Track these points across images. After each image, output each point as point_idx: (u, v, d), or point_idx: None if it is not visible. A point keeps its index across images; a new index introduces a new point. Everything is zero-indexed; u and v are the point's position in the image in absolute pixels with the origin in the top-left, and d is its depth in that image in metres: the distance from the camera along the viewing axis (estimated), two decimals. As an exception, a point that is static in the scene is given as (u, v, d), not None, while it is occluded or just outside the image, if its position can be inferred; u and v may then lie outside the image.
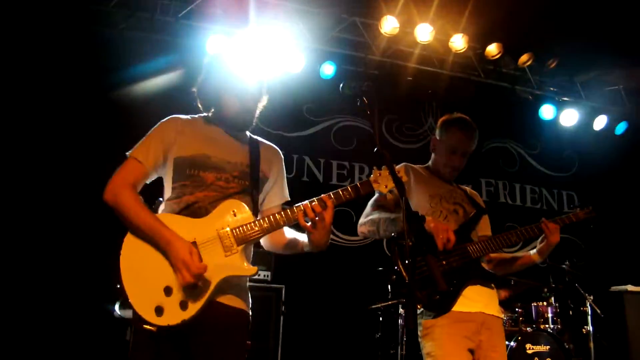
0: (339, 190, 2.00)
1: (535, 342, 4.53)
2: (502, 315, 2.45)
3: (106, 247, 1.99)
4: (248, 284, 2.11)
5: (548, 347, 4.56)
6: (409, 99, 6.30)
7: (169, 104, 2.97)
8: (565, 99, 6.77)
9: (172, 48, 5.34)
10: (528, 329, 4.64)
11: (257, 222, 1.97)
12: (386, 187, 1.99)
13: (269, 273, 4.54)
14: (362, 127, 6.30)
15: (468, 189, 2.78)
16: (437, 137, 2.71)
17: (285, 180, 2.27)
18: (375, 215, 2.46)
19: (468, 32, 5.81)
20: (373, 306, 4.87)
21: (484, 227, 2.67)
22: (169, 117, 2.15)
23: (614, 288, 5.76)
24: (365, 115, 1.97)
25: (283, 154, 2.31)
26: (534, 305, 4.99)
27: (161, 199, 2.09)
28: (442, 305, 2.22)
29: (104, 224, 2.33)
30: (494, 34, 6.00)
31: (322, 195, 1.97)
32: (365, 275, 5.13)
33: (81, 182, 4.47)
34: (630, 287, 5.69)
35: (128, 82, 5.08)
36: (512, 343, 4.41)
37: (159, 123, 2.13)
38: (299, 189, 2.20)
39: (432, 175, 2.67)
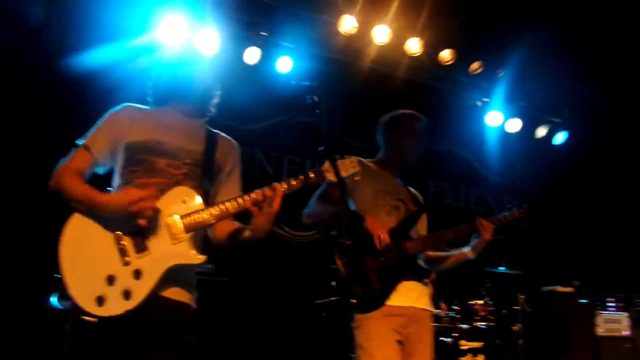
0: (291, 178, 2.04)
1: (469, 339, 4.77)
2: (431, 309, 2.55)
3: (46, 237, 1.93)
4: (195, 277, 2.10)
5: (481, 343, 4.82)
6: (363, 99, 6.40)
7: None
8: (511, 107, 7.05)
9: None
10: (463, 326, 4.86)
11: (207, 209, 1.94)
12: (337, 178, 2.03)
13: (213, 267, 4.46)
14: (314, 123, 6.34)
15: (412, 189, 2.87)
16: (388, 133, 2.78)
17: (240, 174, 2.27)
18: (320, 207, 2.51)
19: (424, 36, 5.97)
20: (318, 301, 4.97)
21: (423, 227, 2.77)
22: (121, 105, 2.13)
23: (545, 288, 6.10)
24: (315, 113, 2.02)
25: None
26: (470, 304, 5.24)
27: (110, 188, 2.05)
28: (376, 301, 2.31)
29: (47, 213, 2.29)
30: (448, 40, 6.18)
31: (274, 183, 1.99)
32: (312, 270, 5.21)
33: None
34: (559, 288, 6.03)
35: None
36: (447, 339, 4.62)
37: (110, 111, 2.11)
38: (249, 183, 2.19)
39: (381, 169, 2.73)
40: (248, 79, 5.66)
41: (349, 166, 2.11)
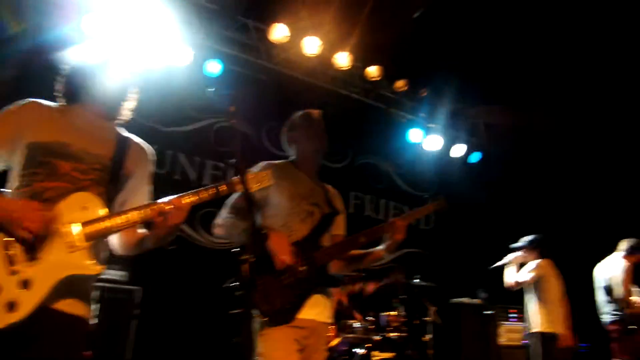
0: (200, 190, 1.96)
1: (381, 350, 4.90)
2: (330, 321, 2.57)
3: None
4: (96, 285, 1.98)
5: (393, 354, 4.96)
6: (291, 109, 6.41)
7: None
8: (432, 125, 7.37)
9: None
10: (376, 337, 4.99)
11: (110, 218, 1.83)
12: (251, 189, 2.00)
13: (125, 273, 4.31)
14: (241, 130, 6.31)
15: (330, 188, 2.83)
16: (290, 136, 2.77)
17: (150, 182, 2.17)
18: (230, 220, 2.46)
19: (353, 50, 6.11)
20: (234, 311, 4.90)
21: (338, 227, 2.72)
22: (24, 101, 1.95)
23: (453, 300, 6.41)
24: (232, 122, 2.00)
25: (156, 148, 2.21)
26: (383, 315, 5.39)
27: (6, 189, 1.89)
28: (285, 318, 2.32)
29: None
30: (376, 57, 6.37)
31: (183, 193, 1.92)
32: (229, 278, 5.13)
33: None
34: (466, 300, 6.36)
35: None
36: (361, 351, 4.73)
37: (13, 104, 1.94)
38: (170, 187, 2.11)
39: (297, 170, 2.69)
40: (176, 80, 5.52)
41: (262, 178, 2.08)
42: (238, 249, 2.27)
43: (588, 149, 7.35)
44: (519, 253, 5.44)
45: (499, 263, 5.64)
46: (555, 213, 7.97)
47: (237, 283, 2.14)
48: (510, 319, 6.47)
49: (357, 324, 5.25)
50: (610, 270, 5.52)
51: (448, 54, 6.05)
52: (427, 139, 7.29)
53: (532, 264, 5.27)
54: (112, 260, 3.87)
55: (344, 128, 7.06)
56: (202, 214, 5.44)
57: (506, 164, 8.07)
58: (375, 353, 4.84)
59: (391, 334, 5.24)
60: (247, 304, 1.86)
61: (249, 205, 1.93)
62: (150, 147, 2.20)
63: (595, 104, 6.54)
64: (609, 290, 5.46)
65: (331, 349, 5.03)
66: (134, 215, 1.86)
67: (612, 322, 5.39)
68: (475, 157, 7.75)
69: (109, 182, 1.96)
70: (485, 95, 7.03)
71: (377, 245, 2.69)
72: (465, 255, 7.69)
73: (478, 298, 6.52)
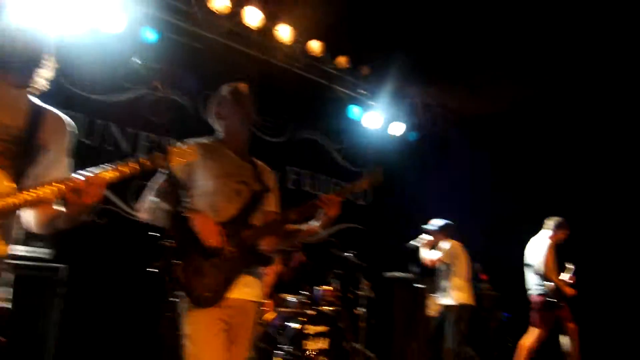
0: (120, 164, 1.82)
1: (315, 323, 4.98)
2: (259, 300, 2.56)
3: None
4: (16, 265, 1.89)
5: (326, 327, 5.06)
6: (231, 81, 6.26)
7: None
8: (372, 103, 7.44)
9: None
10: (310, 311, 5.07)
11: (19, 194, 1.69)
12: (175, 164, 1.94)
13: (49, 251, 4.10)
14: (178, 101, 6.12)
15: (260, 163, 2.76)
16: (216, 109, 2.67)
17: (71, 155, 2.03)
18: (153, 203, 2.39)
19: (296, 25, 6.03)
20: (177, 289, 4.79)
21: (270, 204, 2.68)
22: None
23: (387, 274, 6.60)
24: (155, 98, 1.90)
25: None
26: (318, 289, 5.48)
27: None
28: (213, 300, 2.31)
29: None
30: (319, 32, 6.32)
31: (101, 167, 1.79)
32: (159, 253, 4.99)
33: None
34: (399, 274, 6.58)
35: None
36: (294, 325, 4.79)
37: None
38: (101, 159, 1.97)
39: (223, 147, 2.61)
40: (109, 47, 5.26)
41: (186, 154, 1.99)
42: (157, 233, 2.22)
43: (521, 132, 7.68)
44: (429, 236, 6.11)
45: (412, 242, 6.22)
46: (487, 192, 8.32)
47: (157, 268, 2.10)
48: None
49: (291, 299, 5.31)
50: (535, 248, 5.90)
51: (391, 32, 6.09)
52: (366, 117, 7.36)
53: (446, 244, 5.91)
54: (35, 237, 3.71)
55: (284, 102, 7.01)
56: (136, 187, 5.27)
57: (442, 143, 8.32)
58: (309, 327, 4.92)
59: (325, 308, 5.35)
60: (169, 288, 1.83)
61: (172, 187, 1.87)
62: (68, 118, 2.04)
63: (532, 87, 6.80)
64: (533, 267, 5.84)
65: (266, 324, 5.08)
66: (44, 192, 1.70)
67: (537, 295, 5.78)
68: (413, 136, 7.91)
69: (20, 154, 1.80)
70: (425, 76, 7.16)
71: (313, 219, 2.68)
72: (400, 231, 7.92)
73: (410, 272, 6.74)
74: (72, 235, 4.31)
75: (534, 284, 5.85)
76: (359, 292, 5.96)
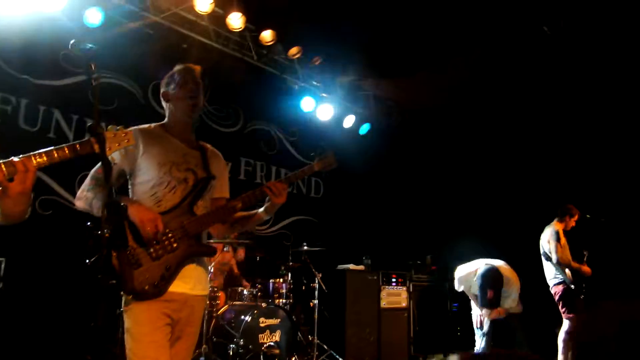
0: (52, 149, 1.69)
1: (268, 316, 4.93)
2: (206, 293, 2.49)
3: None
4: None
5: (279, 320, 5.02)
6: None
7: None
8: (325, 95, 7.42)
9: None
10: (263, 304, 5.00)
11: None
12: (110, 149, 1.82)
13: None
14: (125, 87, 5.88)
15: (210, 148, 2.67)
16: (164, 89, 2.55)
17: None
18: (91, 192, 2.27)
19: (247, 12, 5.89)
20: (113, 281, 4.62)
21: (220, 190, 2.62)
22: None
23: (340, 266, 6.61)
24: (91, 83, 1.78)
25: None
26: (271, 282, 5.42)
27: None
28: (153, 293, 2.20)
29: None
30: (271, 21, 6.21)
31: (33, 153, 1.66)
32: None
33: None
34: (351, 266, 6.59)
35: None
36: (247, 317, 4.71)
37: None
38: (43, 146, 1.77)
39: (168, 134, 2.50)
40: (48, 29, 4.97)
41: (122, 138, 1.90)
42: (91, 223, 2.09)
43: (471, 122, 7.86)
44: None
45: None
46: (437, 183, 8.49)
47: (90, 261, 1.98)
48: (392, 284, 6.82)
49: (245, 291, 5.23)
50: (546, 237, 5.93)
51: (343, 23, 6.06)
52: (319, 108, 7.33)
53: None
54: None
55: (236, 92, 6.88)
56: (81, 177, 5.04)
57: (393, 136, 8.41)
58: (262, 319, 4.86)
59: (278, 301, 5.30)
60: (103, 282, 1.71)
61: (108, 174, 1.74)
62: None
63: (482, 80, 6.96)
64: (547, 256, 5.86)
65: (219, 317, 4.98)
66: None
67: (556, 285, 5.81)
68: (365, 128, 7.95)
69: None
70: (378, 69, 7.20)
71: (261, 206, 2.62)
72: (352, 223, 7.96)
73: (362, 264, 6.79)
74: (12, 226, 4.09)
75: (551, 274, 5.86)
76: (312, 285, 5.96)
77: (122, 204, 2.10)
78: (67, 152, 1.70)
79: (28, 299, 4.57)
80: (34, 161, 1.63)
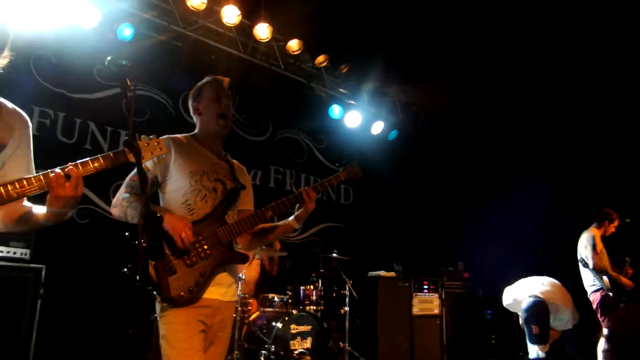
0: (89, 159, 1.78)
1: (299, 323, 4.93)
2: (236, 299, 2.54)
3: None
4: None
5: (310, 327, 5.01)
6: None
7: None
8: (352, 102, 7.43)
9: None
10: (294, 310, 5.01)
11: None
12: (143, 158, 1.89)
13: (27, 251, 3.99)
14: (156, 99, 6.02)
15: (236, 162, 2.73)
16: (196, 101, 2.62)
17: (31, 151, 1.94)
18: (125, 201, 2.33)
19: (274, 23, 5.98)
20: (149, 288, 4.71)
21: (246, 201, 2.66)
22: None
23: (371, 273, 6.58)
24: (126, 97, 1.84)
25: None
26: (302, 289, 5.43)
27: None
28: (188, 300, 2.24)
29: None
30: (297, 30, 6.28)
31: (70, 163, 1.75)
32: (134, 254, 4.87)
33: None
34: (382, 273, 6.56)
35: None
36: (278, 324, 4.73)
37: None
38: (80, 157, 1.86)
39: (198, 145, 2.56)
40: (83, 44, 5.16)
41: (155, 147, 1.96)
42: (129, 233, 2.15)
43: (497, 129, 7.75)
44: None
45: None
46: (467, 188, 8.39)
47: (128, 269, 2.04)
48: (424, 290, 6.75)
49: (276, 298, 5.26)
50: (582, 243, 5.75)
51: (370, 31, 6.09)
52: (347, 115, 7.35)
53: None
54: (14, 237, 3.60)
55: (264, 101, 6.97)
56: (115, 187, 5.17)
57: (421, 141, 8.36)
58: (293, 326, 4.87)
59: (309, 308, 5.31)
60: (141, 289, 1.75)
61: (144, 184, 1.80)
62: (24, 114, 1.93)
63: (506, 87, 6.87)
64: (584, 262, 5.68)
65: (250, 323, 5.02)
66: (9, 189, 1.66)
67: (593, 292, 5.63)
68: (392, 135, 7.93)
69: None
70: (405, 75, 7.18)
71: (289, 215, 2.65)
72: (382, 230, 7.93)
73: (393, 271, 6.74)
74: (52, 235, 4.22)
75: (588, 281, 5.68)
76: (343, 292, 5.95)
77: (157, 214, 2.17)
78: (102, 162, 1.80)
79: (68, 305, 4.70)
80: (82, 169, 1.75)
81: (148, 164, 2.31)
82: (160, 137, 2.30)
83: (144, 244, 1.75)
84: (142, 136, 1.92)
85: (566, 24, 5.69)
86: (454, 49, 6.28)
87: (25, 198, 1.83)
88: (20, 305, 3.80)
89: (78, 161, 1.76)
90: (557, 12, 5.52)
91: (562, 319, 5.30)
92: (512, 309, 5.69)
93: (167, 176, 2.42)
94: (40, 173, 1.72)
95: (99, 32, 5.22)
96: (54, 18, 4.88)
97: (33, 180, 1.68)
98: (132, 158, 1.84)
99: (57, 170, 1.71)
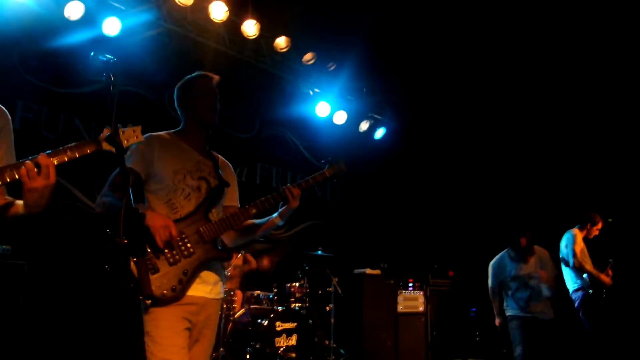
0: (61, 148, 1.78)
1: (284, 320, 4.95)
2: (221, 297, 2.53)
3: None
4: None
5: (295, 324, 5.04)
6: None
7: None
8: (339, 100, 7.44)
9: None
10: (279, 308, 5.03)
11: None
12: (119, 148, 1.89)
13: (8, 247, 3.92)
14: (141, 94, 5.98)
15: (220, 158, 2.71)
16: (182, 97, 2.60)
17: (12, 143, 1.96)
18: (108, 199, 2.30)
19: (262, 19, 5.96)
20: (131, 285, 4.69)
21: (231, 198, 2.66)
22: None
23: (356, 271, 6.61)
24: (110, 91, 1.84)
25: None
26: (288, 286, 5.45)
27: None
28: (170, 297, 2.23)
29: None
30: (285, 28, 6.27)
31: (41, 153, 1.75)
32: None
33: None
34: (368, 271, 6.58)
35: None
36: (264, 321, 4.75)
37: None
38: None
39: (181, 142, 2.53)
40: (69, 36, 5.09)
41: (131, 135, 1.96)
42: (110, 230, 2.14)
43: (486, 128, 7.80)
44: None
45: None
46: (454, 187, 8.44)
47: (109, 266, 2.03)
48: (409, 288, 6.79)
49: (261, 295, 5.27)
50: (564, 242, 5.83)
51: (357, 29, 6.10)
52: (334, 114, 7.35)
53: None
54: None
55: (251, 98, 6.95)
56: (99, 183, 5.10)
57: (408, 140, 8.40)
58: (279, 323, 4.89)
59: (294, 305, 5.32)
60: (123, 286, 1.75)
61: (126, 181, 1.79)
62: (2, 107, 1.94)
63: (495, 86, 6.92)
64: (565, 261, 5.76)
65: (235, 321, 5.02)
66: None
67: (575, 291, 5.70)
68: (380, 133, 7.95)
69: None
70: (392, 73, 7.21)
71: (274, 212, 2.65)
72: (368, 227, 7.95)
73: (379, 268, 6.77)
74: (34, 231, 4.17)
75: (570, 280, 5.75)
76: (328, 289, 5.97)
77: (140, 211, 2.16)
78: (75, 151, 1.80)
79: (50, 302, 4.66)
80: (50, 159, 1.74)
81: (131, 159, 2.31)
82: (145, 135, 2.31)
83: (125, 241, 1.75)
84: (118, 126, 1.91)
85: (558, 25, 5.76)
86: (444, 46, 6.32)
87: (6, 192, 1.83)
88: (1, 302, 3.76)
89: (49, 151, 1.76)
90: (556, 11, 5.59)
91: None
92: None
93: (150, 174, 2.40)
94: (11, 164, 1.71)
95: (84, 25, 5.15)
96: (38, 10, 4.82)
97: (13, 168, 1.68)
98: (106, 147, 1.85)
99: (28, 161, 1.70)
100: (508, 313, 5.35)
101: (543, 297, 5.16)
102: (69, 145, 1.80)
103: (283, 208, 2.62)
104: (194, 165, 2.50)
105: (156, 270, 2.21)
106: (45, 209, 1.80)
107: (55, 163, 1.74)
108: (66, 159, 1.77)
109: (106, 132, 1.86)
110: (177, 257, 2.27)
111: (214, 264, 2.45)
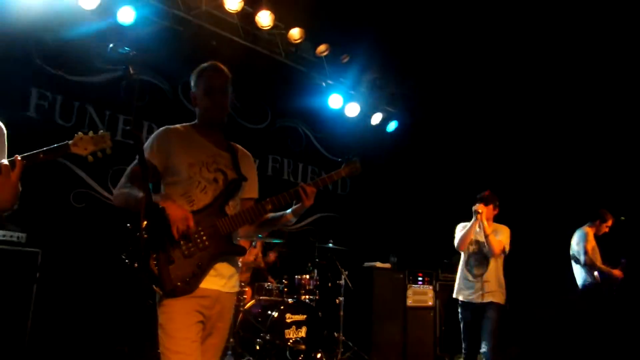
0: (35, 152, 1.87)
1: (294, 312, 4.96)
2: (236, 290, 2.52)
3: None
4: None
5: (305, 316, 5.05)
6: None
7: None
8: (352, 92, 7.41)
9: None
10: (289, 299, 5.03)
11: None
12: (86, 149, 1.98)
13: (23, 235, 3.97)
14: (155, 84, 5.99)
15: (240, 148, 2.70)
16: (194, 89, 2.56)
17: (5, 140, 2.01)
18: (126, 190, 2.30)
19: (276, 10, 5.93)
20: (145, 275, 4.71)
21: (250, 190, 2.65)
22: None
23: (366, 264, 6.61)
24: (127, 84, 1.85)
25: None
26: (298, 278, 5.45)
27: None
28: (184, 290, 2.24)
29: None
30: (299, 19, 6.24)
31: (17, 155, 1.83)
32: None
33: None
34: (378, 264, 6.58)
35: None
36: (274, 313, 4.75)
37: None
38: None
39: (198, 135, 2.52)
40: (84, 25, 5.11)
41: (99, 141, 2.03)
42: (129, 224, 2.14)
43: (496, 122, 7.73)
44: None
45: None
46: (465, 181, 8.37)
47: (127, 257, 2.03)
48: (418, 282, 6.78)
49: (271, 287, 5.28)
50: (575, 239, 5.83)
51: (371, 21, 6.05)
52: (346, 105, 7.32)
53: None
54: (8, 221, 3.60)
55: (264, 89, 6.93)
56: (113, 171, 5.18)
57: (420, 133, 8.34)
58: (288, 315, 4.90)
59: (304, 297, 5.33)
60: (140, 277, 1.75)
61: (144, 173, 1.78)
62: None
63: (505, 80, 6.85)
64: (576, 258, 5.76)
65: (245, 312, 5.04)
66: None
67: (583, 287, 5.69)
68: (392, 126, 7.91)
69: None
70: (400, 68, 7.16)
71: (289, 207, 2.65)
72: (378, 221, 7.93)
73: (389, 262, 6.76)
74: (48, 219, 4.19)
75: (581, 277, 5.74)
76: (338, 282, 5.97)
77: (157, 202, 2.16)
78: (46, 154, 1.93)
79: (63, 290, 4.69)
80: (21, 161, 1.86)
81: (148, 152, 2.31)
82: (160, 129, 2.36)
83: (145, 236, 1.74)
84: (90, 132, 1.99)
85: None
86: (458, 39, 6.25)
87: None
88: (16, 289, 3.80)
89: (25, 154, 1.86)
90: (555, 12, 5.52)
91: None
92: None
93: (166, 167, 2.39)
94: None
95: (99, 14, 5.16)
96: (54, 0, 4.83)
97: None
98: (75, 150, 1.97)
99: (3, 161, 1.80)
100: None
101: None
102: (42, 149, 1.91)
103: (297, 206, 2.60)
104: (210, 158, 2.48)
105: (171, 262, 2.21)
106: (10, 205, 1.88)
107: (20, 165, 1.83)
108: (38, 161, 1.88)
109: (77, 137, 1.98)
110: (192, 249, 2.26)
111: (231, 257, 2.45)
